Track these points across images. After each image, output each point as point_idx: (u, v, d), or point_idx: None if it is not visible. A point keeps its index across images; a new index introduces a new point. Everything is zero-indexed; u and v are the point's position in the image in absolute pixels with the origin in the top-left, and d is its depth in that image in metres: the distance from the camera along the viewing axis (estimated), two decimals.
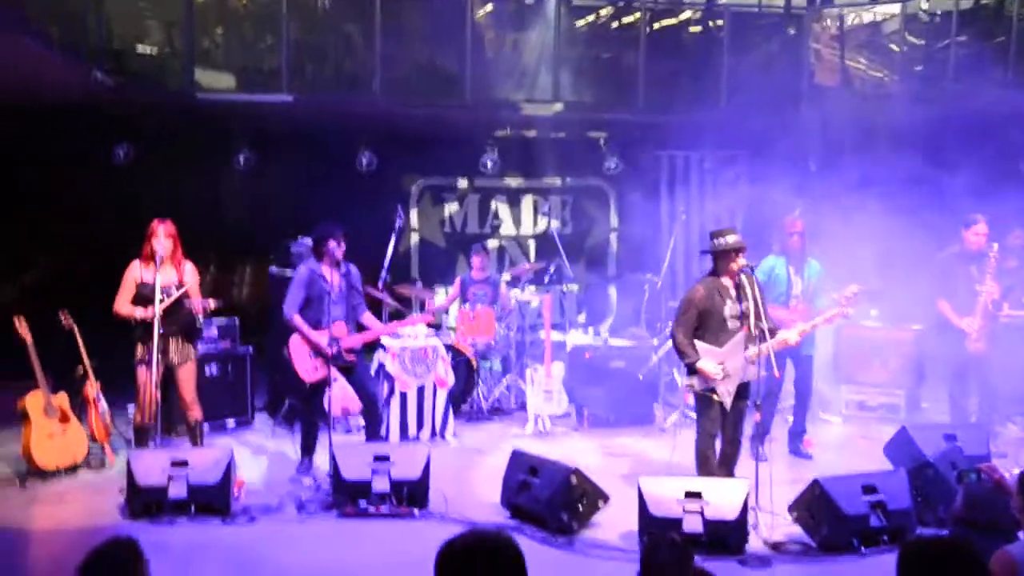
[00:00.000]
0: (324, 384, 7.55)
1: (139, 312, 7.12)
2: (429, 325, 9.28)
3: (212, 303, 7.38)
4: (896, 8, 11.87)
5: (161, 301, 7.06)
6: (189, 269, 7.38)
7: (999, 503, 4.78)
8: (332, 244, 7.47)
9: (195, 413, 7.51)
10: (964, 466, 6.28)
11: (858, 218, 9.63)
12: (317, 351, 7.47)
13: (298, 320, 7.45)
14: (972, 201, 8.75)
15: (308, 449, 7.68)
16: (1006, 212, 8.80)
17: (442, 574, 2.87)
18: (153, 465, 6.58)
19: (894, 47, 11.96)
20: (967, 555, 3.35)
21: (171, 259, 7.27)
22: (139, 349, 7.21)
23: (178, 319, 7.30)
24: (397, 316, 9.46)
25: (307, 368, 7.49)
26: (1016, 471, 4.49)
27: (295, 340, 7.49)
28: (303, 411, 7.79)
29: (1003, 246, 8.14)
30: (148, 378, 7.04)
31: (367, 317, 7.89)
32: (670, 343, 7.43)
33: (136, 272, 7.26)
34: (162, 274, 7.14)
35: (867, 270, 8.94)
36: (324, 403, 7.65)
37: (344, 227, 7.62)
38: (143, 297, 7.16)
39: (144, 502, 6.52)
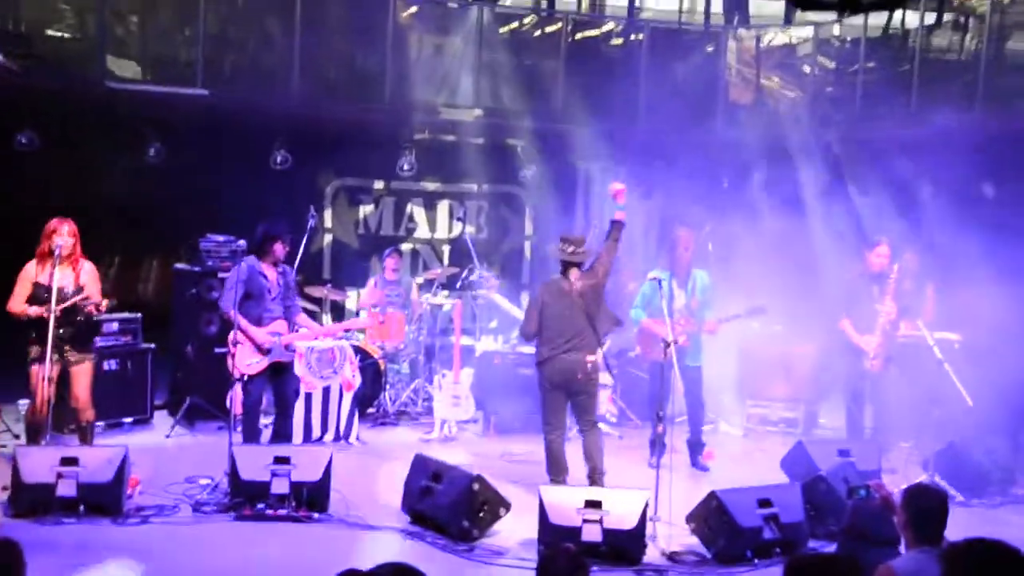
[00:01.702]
0: (275, 376, 7.60)
1: (33, 310, 6.89)
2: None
3: (105, 303, 7.22)
4: (809, 32, 12.17)
5: (58, 303, 6.85)
6: (88, 269, 7.17)
7: (886, 518, 4.92)
8: (278, 246, 7.55)
9: (88, 414, 7.29)
10: (856, 481, 6.47)
11: (767, 234, 9.84)
12: (258, 347, 7.42)
13: (234, 314, 7.34)
14: (876, 221, 9.02)
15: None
16: (908, 232, 9.09)
17: None
18: (41, 462, 6.37)
19: (807, 69, 12.26)
20: (848, 570, 3.45)
21: (68, 258, 7.04)
22: (34, 349, 6.94)
23: (75, 320, 7.08)
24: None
25: (249, 362, 7.39)
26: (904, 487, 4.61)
27: (238, 334, 7.38)
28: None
29: (899, 267, 8.38)
30: (41, 376, 6.80)
31: (302, 318, 7.94)
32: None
33: (31, 272, 7.04)
34: (58, 273, 6.89)
35: (773, 286, 9.13)
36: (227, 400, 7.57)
37: (289, 228, 7.74)
38: (39, 298, 6.94)
39: (30, 500, 6.30)
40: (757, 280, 9.17)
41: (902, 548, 4.45)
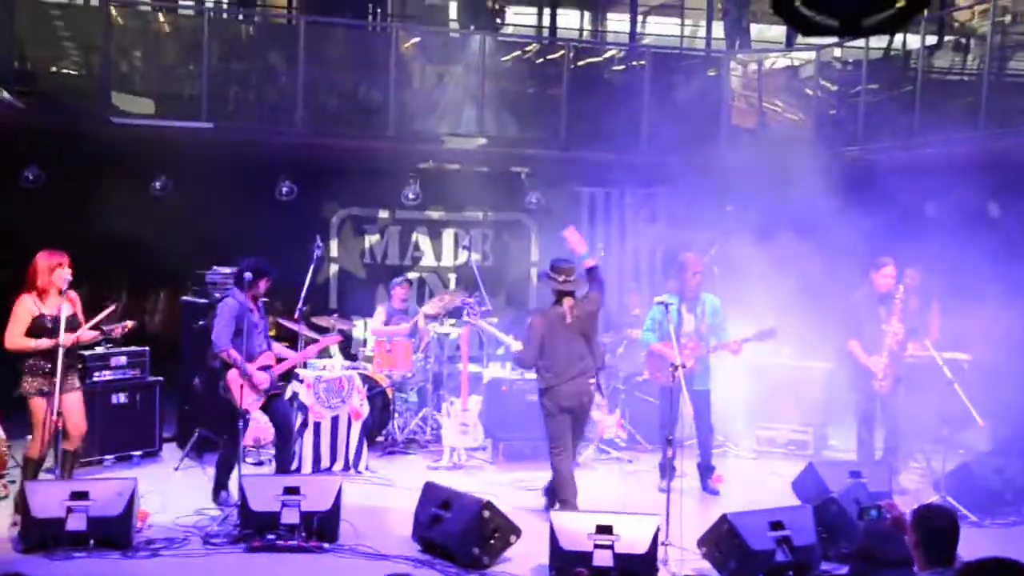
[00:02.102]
0: (270, 406, 7.63)
1: (45, 343, 6.85)
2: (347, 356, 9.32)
3: (129, 324, 7.37)
4: (811, 55, 12.23)
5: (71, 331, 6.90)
6: (76, 298, 7.20)
7: (898, 539, 4.89)
8: (264, 282, 7.56)
9: (79, 443, 7.24)
10: (867, 502, 6.42)
11: (772, 257, 9.83)
12: (253, 383, 7.42)
13: (235, 354, 7.33)
14: (881, 242, 9.01)
15: (224, 485, 7.58)
16: (913, 253, 9.07)
17: None
18: (51, 497, 6.36)
19: (809, 91, 12.31)
20: None
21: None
22: (36, 381, 6.89)
23: (74, 350, 7.18)
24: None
25: (248, 399, 7.36)
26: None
27: (233, 373, 7.35)
28: (229, 443, 7.63)
29: (904, 288, 8.37)
30: (50, 411, 6.73)
31: (276, 347, 7.99)
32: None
33: (31, 306, 6.94)
34: (64, 306, 6.91)
35: (780, 309, 9.11)
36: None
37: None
38: (44, 330, 6.89)
39: (40, 535, 6.28)
40: (764, 303, 9.15)
41: (916, 570, 4.42)
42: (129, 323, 7.38)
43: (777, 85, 12.95)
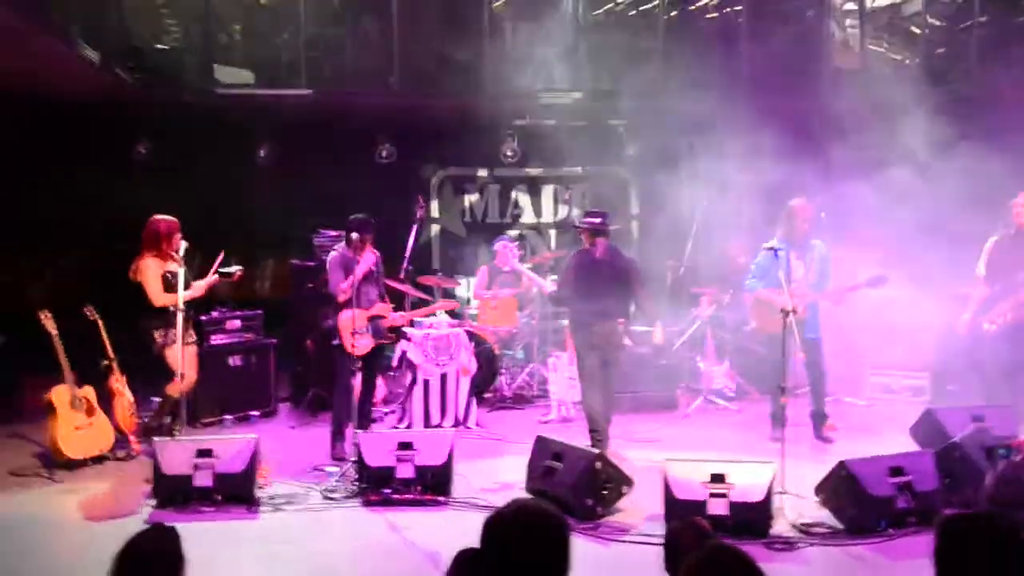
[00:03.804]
0: (371, 357, 7.91)
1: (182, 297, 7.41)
2: (452, 314, 9.54)
3: (241, 269, 8.30)
4: None
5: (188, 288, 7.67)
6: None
7: None
8: (355, 237, 7.80)
9: (187, 389, 7.82)
10: (993, 446, 6.24)
11: (882, 200, 9.54)
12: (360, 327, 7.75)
13: (347, 291, 7.67)
14: (1006, 178, 8.65)
15: (341, 434, 7.83)
16: None
17: (489, 544, 2.87)
18: (179, 454, 6.62)
19: (915, 29, 11.84)
20: (1006, 530, 3.32)
21: None
22: (165, 335, 7.65)
23: (190, 309, 7.92)
24: (419, 306, 9.48)
25: (355, 342, 7.69)
26: None
27: (344, 315, 7.67)
28: (339, 392, 7.91)
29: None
30: (184, 356, 7.49)
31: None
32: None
33: (158, 267, 7.76)
34: (181, 271, 7.56)
35: (892, 251, 8.86)
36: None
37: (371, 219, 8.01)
38: (171, 287, 7.59)
39: (170, 491, 6.57)
40: (874, 247, 8.91)
41: None
42: (240, 268, 8.20)
43: (881, 23, 12.46)
